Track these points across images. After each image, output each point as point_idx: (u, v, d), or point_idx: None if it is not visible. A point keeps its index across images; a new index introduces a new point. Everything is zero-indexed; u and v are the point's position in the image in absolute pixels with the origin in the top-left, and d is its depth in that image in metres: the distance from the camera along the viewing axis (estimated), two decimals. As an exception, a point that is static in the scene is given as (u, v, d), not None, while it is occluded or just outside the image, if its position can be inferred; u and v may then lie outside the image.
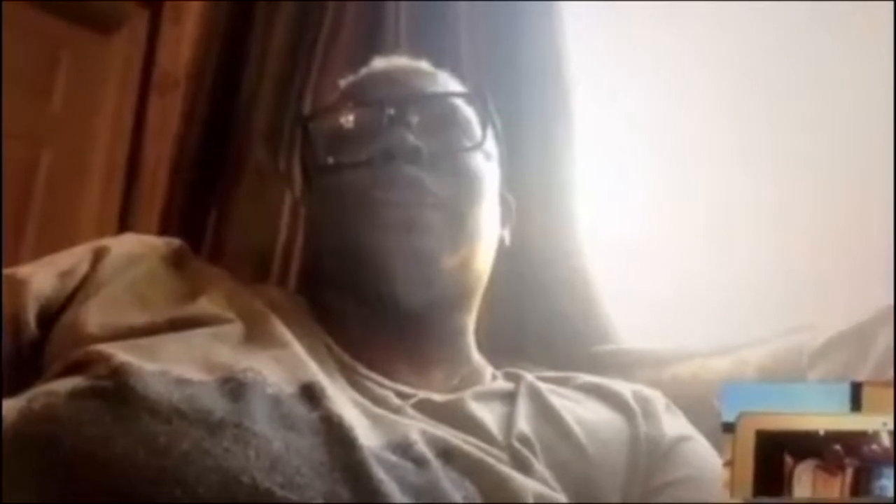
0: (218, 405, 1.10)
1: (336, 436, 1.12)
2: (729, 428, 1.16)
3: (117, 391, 1.10)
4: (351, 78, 1.49)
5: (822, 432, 1.10)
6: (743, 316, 1.51)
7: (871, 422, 1.11)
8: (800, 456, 1.10)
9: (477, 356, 1.42)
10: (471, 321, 1.42)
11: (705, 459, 1.28)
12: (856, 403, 1.14)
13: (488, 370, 1.41)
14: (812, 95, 1.55)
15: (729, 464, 1.14)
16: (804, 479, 1.10)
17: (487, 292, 1.42)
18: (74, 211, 1.84)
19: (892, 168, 1.39)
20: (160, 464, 1.04)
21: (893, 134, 1.39)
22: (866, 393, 1.15)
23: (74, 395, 1.11)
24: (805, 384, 1.31)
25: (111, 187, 1.85)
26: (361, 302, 1.35)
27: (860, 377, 1.22)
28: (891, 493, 1.08)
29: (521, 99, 1.64)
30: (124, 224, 1.77)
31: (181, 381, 1.13)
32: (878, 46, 1.46)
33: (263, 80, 1.79)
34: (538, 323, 1.57)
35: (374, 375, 1.29)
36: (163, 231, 1.63)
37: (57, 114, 1.92)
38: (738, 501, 1.11)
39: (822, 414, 1.13)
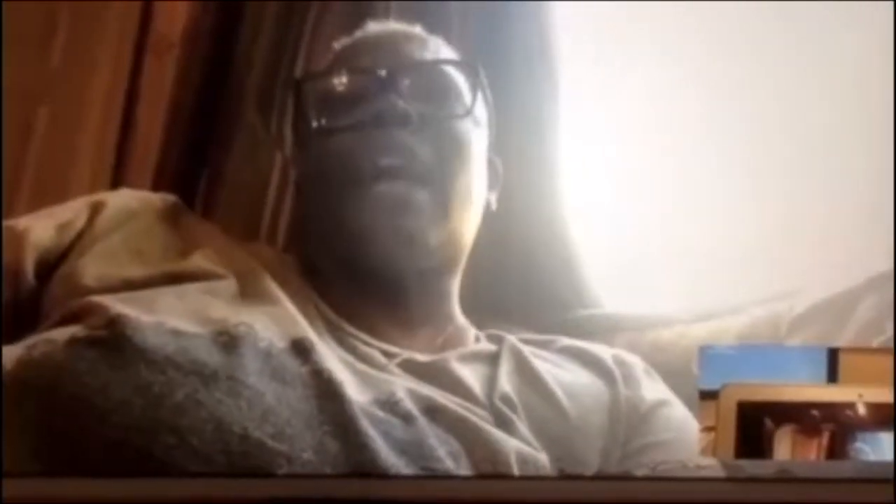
0: (211, 357, 1.14)
1: (325, 390, 1.15)
2: (708, 395, 1.19)
3: (114, 341, 1.12)
4: (345, 41, 1.50)
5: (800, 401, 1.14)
6: (726, 282, 1.52)
7: (848, 393, 1.14)
8: (779, 421, 1.13)
9: (461, 318, 1.43)
10: (455, 284, 1.43)
11: (683, 424, 1.29)
12: (832, 373, 1.18)
13: (471, 332, 1.42)
14: (798, 60, 1.56)
15: (708, 429, 1.17)
16: (784, 443, 1.13)
17: (471, 255, 1.44)
18: (69, 167, 1.85)
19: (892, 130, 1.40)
20: (155, 413, 1.07)
21: (893, 93, 1.40)
22: (843, 361, 1.18)
23: (72, 343, 1.13)
24: (782, 351, 1.33)
25: (106, 145, 1.85)
26: (346, 266, 1.37)
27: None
28: (866, 457, 1.12)
29: (508, 70, 1.65)
30: (118, 181, 1.78)
31: (176, 333, 1.15)
32: (873, 15, 1.46)
33: (256, 45, 1.81)
34: (520, 286, 1.58)
35: (360, 334, 1.31)
36: (155, 189, 1.65)
37: (55, 71, 1.93)
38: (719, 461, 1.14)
39: (802, 385, 1.16)
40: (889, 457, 1.10)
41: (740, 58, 1.59)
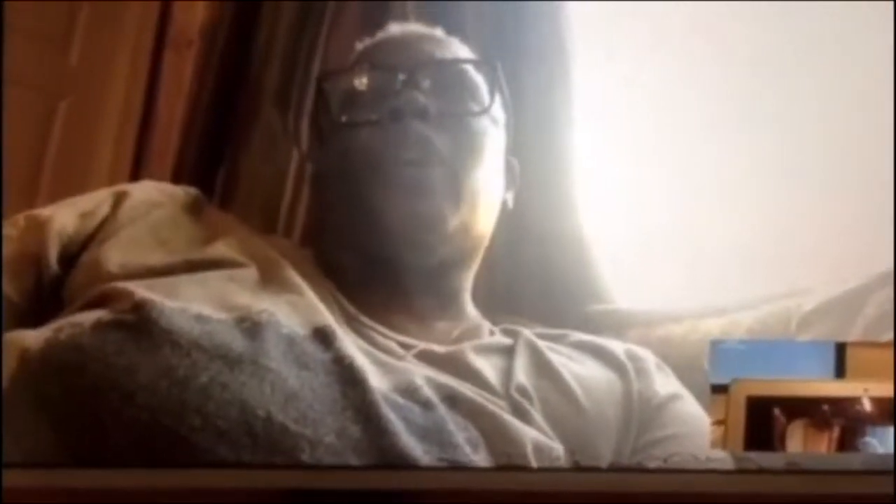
0: (235, 342, 1.16)
1: (348, 376, 1.17)
2: (718, 389, 1.21)
3: (140, 324, 1.15)
4: (367, 41, 1.52)
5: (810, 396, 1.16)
6: (737, 279, 1.52)
7: (854, 388, 1.16)
8: (791, 415, 1.15)
9: (474, 312, 1.45)
10: (469, 280, 1.45)
11: (694, 418, 1.30)
12: (840, 368, 1.19)
13: (486, 326, 1.43)
14: (807, 56, 1.57)
15: (719, 423, 1.19)
16: (796, 436, 1.15)
17: (486, 252, 1.45)
18: (88, 163, 1.86)
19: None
20: (181, 395, 1.09)
21: (893, 88, 1.41)
22: (851, 355, 1.20)
23: (98, 326, 1.15)
24: (791, 346, 1.34)
25: (124, 141, 1.87)
26: (364, 258, 1.39)
27: (848, 344, 1.26)
28: (875, 450, 1.14)
29: (523, 69, 1.67)
30: (136, 176, 1.79)
31: (200, 318, 1.18)
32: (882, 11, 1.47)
33: (274, 42, 1.83)
34: (534, 282, 1.59)
35: (377, 326, 1.32)
36: (174, 183, 1.66)
37: (74, 67, 1.94)
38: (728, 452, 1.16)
39: (809, 380, 1.18)
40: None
41: (751, 54, 1.60)
